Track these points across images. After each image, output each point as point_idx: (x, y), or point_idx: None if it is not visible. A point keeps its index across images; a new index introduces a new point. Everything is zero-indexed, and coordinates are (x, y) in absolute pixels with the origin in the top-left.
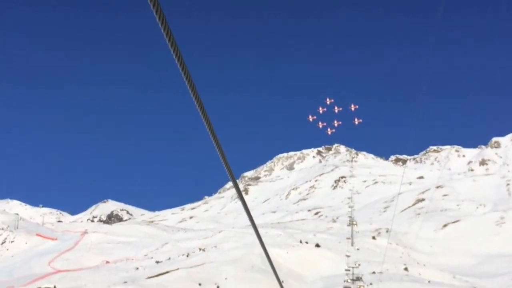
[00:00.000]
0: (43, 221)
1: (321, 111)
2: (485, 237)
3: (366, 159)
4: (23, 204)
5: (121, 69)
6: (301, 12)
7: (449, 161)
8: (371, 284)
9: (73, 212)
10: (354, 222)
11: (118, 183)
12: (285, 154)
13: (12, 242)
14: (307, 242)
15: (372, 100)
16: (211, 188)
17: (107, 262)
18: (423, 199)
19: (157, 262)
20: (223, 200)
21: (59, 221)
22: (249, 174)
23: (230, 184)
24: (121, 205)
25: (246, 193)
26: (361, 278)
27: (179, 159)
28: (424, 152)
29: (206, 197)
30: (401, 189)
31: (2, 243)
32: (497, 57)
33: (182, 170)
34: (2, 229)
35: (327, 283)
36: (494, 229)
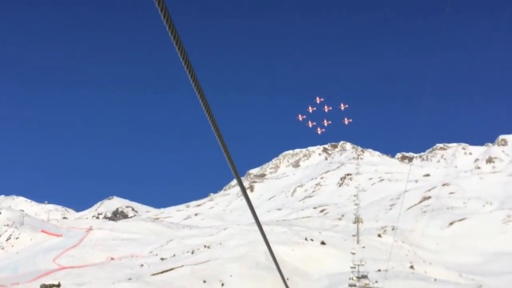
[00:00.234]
0: (48, 218)
1: (310, 110)
2: (492, 235)
3: (372, 156)
4: (29, 200)
5: (127, 69)
6: (308, 12)
7: (455, 159)
8: (376, 282)
9: (78, 209)
10: (360, 220)
11: (123, 180)
12: (290, 151)
13: (17, 238)
14: (312, 240)
15: (378, 98)
16: (216, 185)
17: (112, 258)
18: (429, 197)
19: (162, 259)
20: (229, 197)
21: (64, 218)
22: (254, 171)
23: (235, 181)
24: (127, 202)
25: (252, 190)
26: (366, 276)
27: (185, 157)
28: (430, 149)
29: (211, 194)
30: (407, 186)
31: (7, 240)
32: (504, 55)
33: (187, 168)
34: (7, 225)
35: (333, 281)
36: (500, 227)
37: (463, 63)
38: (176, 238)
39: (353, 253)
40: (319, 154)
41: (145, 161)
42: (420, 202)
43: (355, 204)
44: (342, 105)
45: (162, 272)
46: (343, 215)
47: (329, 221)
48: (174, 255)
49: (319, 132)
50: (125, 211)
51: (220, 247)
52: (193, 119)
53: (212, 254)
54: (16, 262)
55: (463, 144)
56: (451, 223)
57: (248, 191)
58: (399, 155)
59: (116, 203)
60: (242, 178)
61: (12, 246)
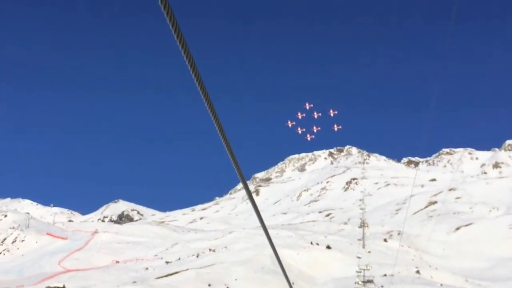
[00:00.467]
0: (54, 221)
1: (300, 117)
2: (498, 241)
3: (378, 161)
4: (35, 203)
5: (132, 72)
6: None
7: (462, 164)
8: (382, 286)
9: (84, 212)
10: (366, 224)
11: (129, 184)
12: (296, 156)
13: (22, 241)
14: (318, 244)
15: (385, 102)
16: (222, 189)
17: (117, 262)
18: (435, 202)
19: (167, 262)
20: (234, 201)
21: (69, 221)
22: (260, 175)
23: (241, 185)
24: (132, 205)
25: (257, 194)
26: (372, 280)
27: (191, 161)
28: (436, 154)
29: (217, 198)
30: (413, 191)
31: (13, 242)
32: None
33: (193, 171)
34: (13, 228)
35: (338, 285)
36: (507, 233)
37: (470, 68)
38: (181, 242)
39: (359, 257)
40: (325, 158)
41: (151, 165)
42: (426, 207)
43: (361, 209)
44: (331, 111)
45: (167, 276)
46: (348, 220)
47: (335, 225)
48: (179, 259)
49: (308, 139)
50: (130, 214)
51: (225, 251)
52: (199, 123)
53: (217, 258)
54: (22, 264)
55: (469, 149)
56: (458, 228)
57: (253, 195)
58: (405, 159)
59: (121, 206)
60: (248, 182)
61: (18, 248)
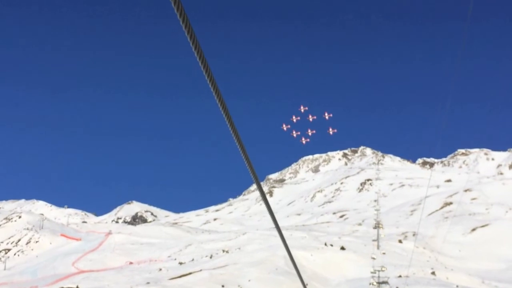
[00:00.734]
0: (68, 222)
1: (294, 120)
2: None
3: (392, 162)
4: (49, 204)
5: (145, 73)
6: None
7: (478, 165)
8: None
9: (98, 213)
10: (380, 225)
11: (143, 185)
12: (310, 157)
13: (37, 242)
14: (332, 245)
15: (400, 102)
16: (236, 190)
17: (131, 263)
18: (451, 203)
19: (180, 263)
20: (248, 202)
21: (83, 222)
22: (274, 176)
23: (254, 186)
24: (146, 207)
25: (271, 195)
26: (387, 281)
27: (204, 162)
28: (452, 155)
29: (230, 199)
30: (429, 192)
31: (27, 243)
32: None
33: (207, 173)
34: (27, 229)
35: (352, 286)
36: None
37: (485, 67)
38: (195, 243)
39: (374, 258)
40: (339, 159)
41: (164, 166)
42: (442, 208)
43: (376, 210)
44: (326, 114)
45: (180, 277)
46: (363, 221)
47: (349, 226)
48: (193, 260)
49: (303, 142)
50: (144, 215)
51: (239, 252)
52: (214, 124)
53: (231, 259)
54: (36, 265)
55: (485, 150)
56: (474, 229)
57: (267, 196)
58: (420, 160)
59: (135, 207)
60: (262, 183)
61: (32, 249)
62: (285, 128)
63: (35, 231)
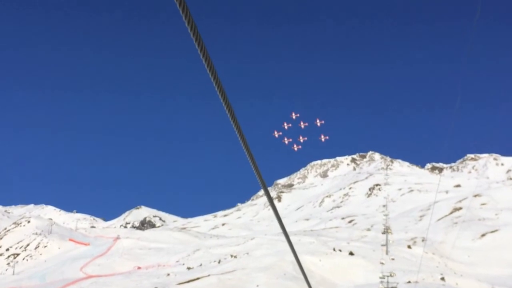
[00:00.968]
0: (77, 227)
1: (286, 127)
2: None
3: (401, 167)
4: (58, 209)
5: (153, 77)
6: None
7: (487, 170)
8: None
9: (106, 218)
10: (389, 231)
11: (151, 190)
12: (318, 162)
13: (45, 246)
14: (340, 250)
15: (409, 107)
16: (244, 195)
17: (139, 268)
18: (460, 208)
19: (189, 268)
20: (256, 207)
21: (92, 227)
22: (282, 181)
23: (263, 191)
24: (154, 212)
25: (279, 201)
26: (396, 287)
27: (212, 167)
28: (461, 160)
29: (239, 204)
30: (438, 197)
31: (36, 248)
32: None
33: (215, 178)
34: (36, 233)
35: None
36: None
37: (494, 71)
38: (203, 248)
39: (382, 263)
40: (348, 164)
41: (173, 171)
42: (451, 213)
43: (384, 215)
44: (318, 121)
45: (188, 282)
46: (371, 226)
47: (358, 231)
48: (201, 265)
49: (295, 149)
50: (152, 220)
51: (247, 257)
52: (223, 129)
53: (239, 264)
54: (44, 270)
55: (494, 155)
56: (483, 235)
57: (275, 201)
58: (429, 165)
59: (144, 212)
60: (270, 188)
61: (41, 254)
62: (276, 135)
63: (44, 236)
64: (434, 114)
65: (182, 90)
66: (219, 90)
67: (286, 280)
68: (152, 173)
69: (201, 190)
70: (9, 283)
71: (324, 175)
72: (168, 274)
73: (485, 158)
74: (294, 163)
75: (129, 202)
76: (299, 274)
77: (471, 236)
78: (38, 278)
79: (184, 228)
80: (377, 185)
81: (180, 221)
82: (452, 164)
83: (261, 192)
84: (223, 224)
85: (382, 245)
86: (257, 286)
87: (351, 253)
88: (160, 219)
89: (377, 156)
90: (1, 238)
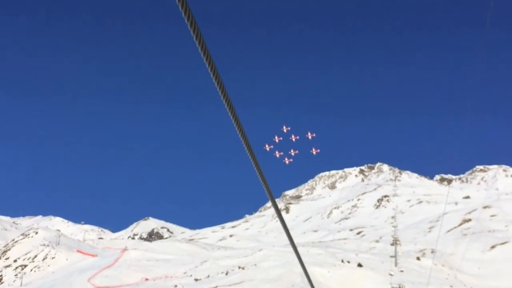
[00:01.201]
0: (84, 238)
1: (277, 140)
2: None
3: (410, 178)
4: (66, 221)
5: (158, 88)
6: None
7: (496, 181)
8: None
9: (114, 230)
10: (398, 242)
11: (159, 201)
12: (327, 173)
13: (53, 258)
14: (349, 262)
15: (417, 118)
16: (252, 206)
17: (146, 279)
18: (469, 220)
19: (196, 279)
20: (264, 219)
21: (100, 238)
22: (290, 192)
23: (271, 202)
24: (162, 223)
25: (287, 212)
26: None
27: (221, 178)
28: (470, 171)
29: (246, 215)
30: (447, 209)
31: (44, 259)
32: None
33: (223, 189)
34: (44, 245)
35: None
36: None
37: (502, 80)
38: (211, 259)
39: (391, 275)
40: (356, 175)
41: (181, 182)
42: (460, 224)
43: (393, 226)
44: (309, 134)
45: None
46: (380, 237)
47: (366, 243)
48: (208, 276)
49: (286, 162)
50: (160, 232)
51: (255, 268)
52: (229, 141)
53: (247, 275)
54: (52, 281)
55: (504, 166)
56: (493, 247)
57: (283, 213)
58: (437, 177)
59: (151, 224)
60: (278, 200)
61: (48, 265)
62: (267, 148)
63: (52, 247)
64: (443, 125)
65: (189, 101)
66: (227, 103)
67: None
68: (160, 185)
69: (209, 201)
70: None
71: (332, 186)
72: (176, 286)
73: (495, 170)
74: (302, 174)
75: (137, 213)
76: (307, 286)
77: (481, 248)
78: None
79: (192, 240)
80: (385, 196)
81: (188, 233)
82: (461, 176)
83: (269, 203)
84: (231, 236)
85: (391, 256)
86: None
87: (359, 265)
88: (168, 230)
89: (385, 167)
90: (9, 249)
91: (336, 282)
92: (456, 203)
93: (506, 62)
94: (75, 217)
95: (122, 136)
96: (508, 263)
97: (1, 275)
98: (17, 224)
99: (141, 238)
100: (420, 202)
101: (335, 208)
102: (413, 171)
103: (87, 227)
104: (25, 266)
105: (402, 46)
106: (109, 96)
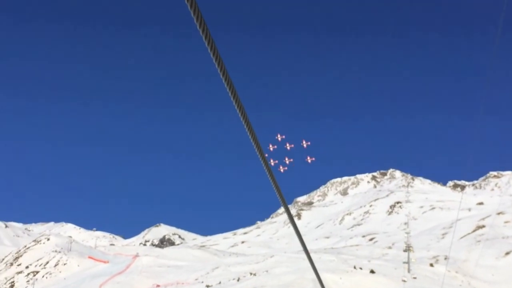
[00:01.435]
0: (96, 244)
1: (271, 149)
2: None
3: (422, 184)
4: (77, 227)
5: (170, 92)
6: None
7: (510, 187)
8: None
9: (126, 236)
10: (411, 249)
11: (170, 208)
12: (338, 179)
13: (64, 264)
14: (361, 268)
15: (430, 124)
16: (263, 213)
17: (158, 285)
18: (483, 226)
19: (208, 286)
20: (276, 225)
21: (111, 245)
22: (302, 199)
23: (282, 209)
24: (173, 229)
25: (299, 218)
26: None
27: (232, 185)
28: (483, 177)
29: (258, 222)
30: (460, 215)
31: (55, 265)
32: None
33: (235, 195)
34: (56, 251)
35: None
36: None
37: None
38: (222, 265)
39: (404, 281)
40: (368, 182)
41: (192, 189)
42: (474, 231)
43: (406, 233)
44: (304, 142)
45: None
46: (393, 244)
47: (379, 249)
48: (220, 283)
49: (281, 171)
50: (172, 238)
51: (266, 275)
52: (241, 147)
53: (258, 282)
54: (64, 287)
55: None
56: (507, 253)
57: (295, 219)
58: (450, 183)
59: (163, 230)
60: (290, 206)
61: (60, 272)
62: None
63: (63, 254)
64: (456, 131)
65: (200, 107)
66: (239, 109)
67: None
68: (172, 191)
69: (221, 208)
70: None
71: (344, 192)
72: None
73: (508, 176)
74: (313, 180)
75: (148, 220)
76: None
77: (495, 254)
78: None
79: (203, 246)
80: (398, 202)
81: (200, 239)
82: (475, 182)
83: (281, 210)
84: (242, 242)
85: (404, 262)
86: None
87: (372, 271)
88: (180, 236)
89: (398, 173)
90: (21, 256)
91: None
92: (469, 209)
93: None
94: (87, 224)
95: (134, 143)
96: None
97: (13, 281)
98: (29, 230)
99: (152, 244)
100: (433, 208)
101: (347, 214)
102: (426, 177)
103: (99, 233)
104: (37, 272)
105: (414, 49)
106: (121, 100)
